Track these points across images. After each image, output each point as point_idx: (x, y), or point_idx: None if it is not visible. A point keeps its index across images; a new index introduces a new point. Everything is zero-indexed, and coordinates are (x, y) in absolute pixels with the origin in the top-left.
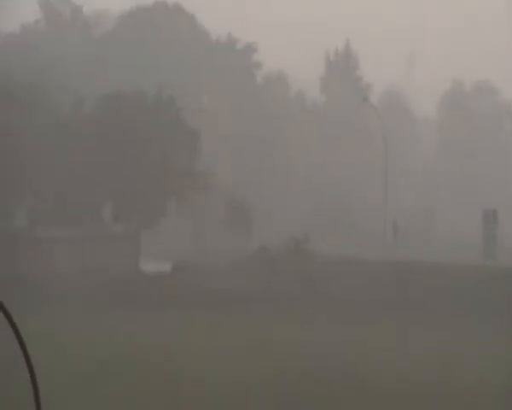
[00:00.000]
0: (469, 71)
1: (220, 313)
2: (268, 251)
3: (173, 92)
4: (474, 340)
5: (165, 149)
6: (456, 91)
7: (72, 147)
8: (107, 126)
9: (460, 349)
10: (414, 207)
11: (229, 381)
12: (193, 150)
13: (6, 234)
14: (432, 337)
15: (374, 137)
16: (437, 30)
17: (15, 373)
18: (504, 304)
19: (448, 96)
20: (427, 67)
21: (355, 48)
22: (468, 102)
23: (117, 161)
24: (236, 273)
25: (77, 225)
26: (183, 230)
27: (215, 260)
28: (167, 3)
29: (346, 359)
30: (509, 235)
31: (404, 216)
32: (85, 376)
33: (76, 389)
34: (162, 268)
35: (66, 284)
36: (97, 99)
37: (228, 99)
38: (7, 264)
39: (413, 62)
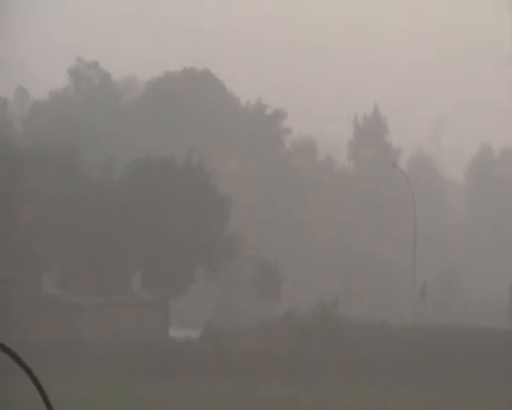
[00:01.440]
0: (497, 136)
1: (249, 380)
2: (296, 316)
3: (202, 158)
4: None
5: (194, 216)
6: (484, 156)
7: (100, 214)
8: (136, 193)
9: None
10: (442, 271)
11: None
12: (222, 217)
13: (35, 300)
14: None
15: (403, 200)
16: (464, 96)
17: None
18: None
19: (476, 161)
20: (454, 132)
21: (383, 113)
22: (496, 166)
23: (146, 227)
24: (264, 338)
25: (105, 292)
26: (212, 295)
27: (243, 324)
28: (196, 70)
29: None
30: None
31: (432, 279)
32: None
33: None
34: (191, 334)
35: (94, 351)
36: (126, 166)
37: (256, 164)
38: (35, 330)
39: (441, 127)
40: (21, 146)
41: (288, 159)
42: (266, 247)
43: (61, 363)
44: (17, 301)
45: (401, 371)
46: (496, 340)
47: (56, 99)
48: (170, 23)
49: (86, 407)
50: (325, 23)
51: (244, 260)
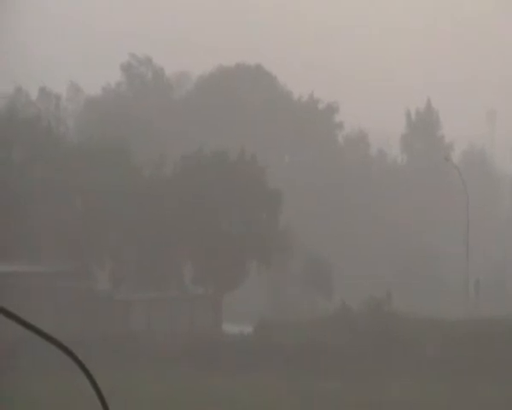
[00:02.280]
0: None
1: (304, 374)
2: (349, 310)
3: (255, 153)
4: None
5: (246, 210)
6: None
7: (152, 210)
8: (189, 187)
9: None
10: (495, 264)
11: None
12: (275, 211)
13: (89, 295)
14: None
15: (455, 195)
16: None
17: None
18: None
19: None
20: (508, 125)
21: (436, 107)
22: None
23: (198, 223)
24: (318, 333)
25: (158, 287)
26: (264, 289)
27: (296, 319)
28: (249, 65)
29: None
30: None
31: (485, 273)
32: None
33: None
34: (244, 329)
35: (148, 345)
36: (178, 160)
37: (309, 159)
38: (90, 324)
39: (494, 120)
40: (74, 141)
41: (341, 153)
42: (318, 241)
43: (112, 359)
44: (68, 296)
45: (457, 365)
46: None
47: (109, 95)
48: (222, 18)
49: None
50: (378, 17)
51: (296, 254)
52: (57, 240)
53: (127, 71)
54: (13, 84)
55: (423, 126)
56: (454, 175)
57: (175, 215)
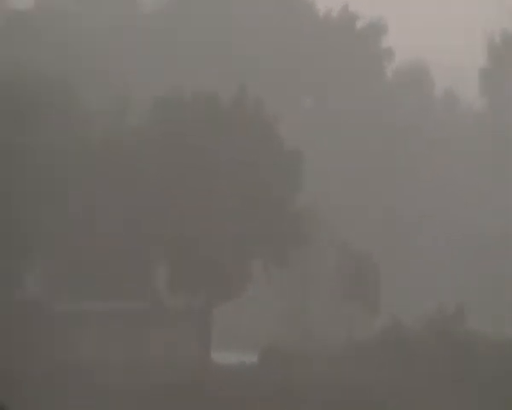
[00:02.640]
0: None
1: None
2: (401, 331)
3: (260, 96)
4: None
5: (248, 181)
6: None
7: (109, 178)
8: (162, 148)
9: None
10: None
11: None
12: (291, 181)
13: (14, 306)
14: None
15: None
16: None
17: None
18: None
19: None
20: None
21: None
22: None
23: (176, 197)
24: (355, 363)
25: (117, 294)
26: (274, 301)
27: (321, 346)
28: None
29: None
30: None
31: None
32: None
33: None
34: (245, 359)
35: (100, 383)
36: (149, 106)
37: (340, 104)
38: (14, 347)
39: None
40: None
41: (390, 94)
42: (355, 230)
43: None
44: None
45: None
46: None
47: (45, 7)
48: None
49: None
50: None
51: (322, 248)
52: None
53: None
54: None
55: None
56: None
57: (143, 188)
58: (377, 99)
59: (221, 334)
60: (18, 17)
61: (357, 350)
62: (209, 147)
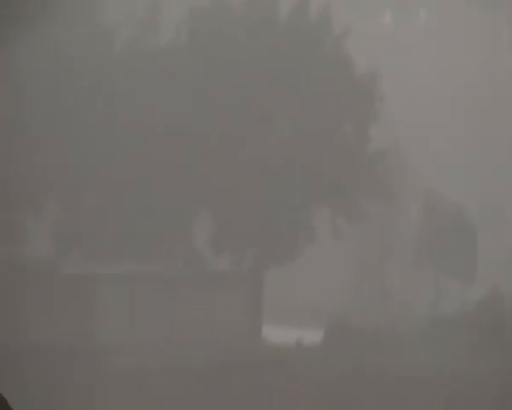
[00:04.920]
0: None
1: None
2: (502, 305)
3: (326, 4)
4: None
5: (311, 113)
6: None
7: (135, 109)
8: (203, 70)
9: None
10: None
11: None
12: (367, 112)
13: (16, 267)
14: None
15: None
16: None
17: None
18: None
19: None
20: None
21: None
22: None
23: (219, 135)
24: (442, 348)
25: (147, 255)
26: (346, 264)
27: (401, 322)
28: None
29: None
30: None
31: None
32: None
33: None
34: (303, 337)
35: (127, 365)
36: (184, 17)
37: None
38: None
39: None
40: None
41: None
42: (460, 179)
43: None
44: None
45: None
46: None
47: None
48: None
49: None
50: None
51: (404, 202)
52: None
53: None
54: None
55: None
56: None
57: (178, 123)
58: None
59: (274, 305)
60: None
61: (445, 326)
62: (263, 69)
